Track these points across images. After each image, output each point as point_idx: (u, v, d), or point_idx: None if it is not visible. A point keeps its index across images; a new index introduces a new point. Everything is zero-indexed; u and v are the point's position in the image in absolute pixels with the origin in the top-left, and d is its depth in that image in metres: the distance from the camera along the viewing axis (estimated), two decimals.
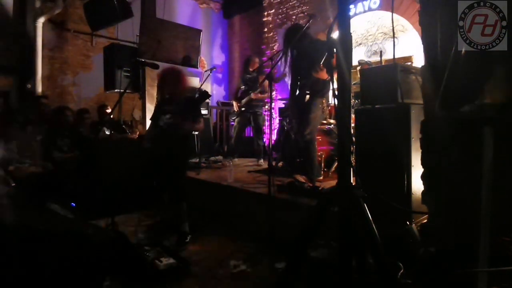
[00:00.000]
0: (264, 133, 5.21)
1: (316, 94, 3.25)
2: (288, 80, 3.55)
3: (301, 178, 3.48)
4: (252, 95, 4.68)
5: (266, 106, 6.84)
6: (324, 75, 3.22)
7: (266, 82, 4.68)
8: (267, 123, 5.63)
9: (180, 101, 2.87)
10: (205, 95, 3.28)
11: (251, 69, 4.82)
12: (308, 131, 3.22)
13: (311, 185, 3.04)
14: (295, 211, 2.64)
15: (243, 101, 4.78)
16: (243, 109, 4.83)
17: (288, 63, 3.39)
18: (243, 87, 4.88)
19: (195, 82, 6.69)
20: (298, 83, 3.40)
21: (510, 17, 1.18)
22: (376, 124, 2.31)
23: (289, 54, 3.36)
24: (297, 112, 3.44)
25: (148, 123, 4.38)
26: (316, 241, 2.04)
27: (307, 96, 3.30)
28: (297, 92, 3.42)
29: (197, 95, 3.66)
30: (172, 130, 2.76)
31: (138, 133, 5.13)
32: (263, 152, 5.00)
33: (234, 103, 4.96)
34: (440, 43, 1.64)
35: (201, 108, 5.59)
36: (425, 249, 1.82)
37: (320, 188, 2.87)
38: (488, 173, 1.25)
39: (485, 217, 1.27)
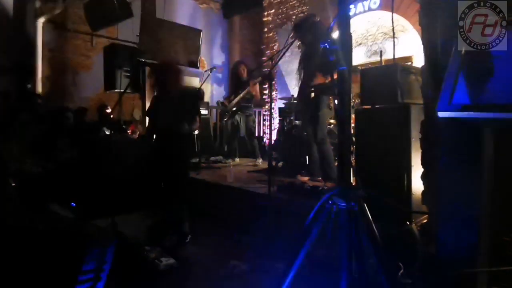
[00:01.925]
0: (255, 133, 5.21)
1: (321, 92, 3.24)
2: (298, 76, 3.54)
3: (303, 178, 3.49)
4: (246, 91, 4.66)
5: (266, 106, 6.87)
6: (319, 79, 3.23)
7: (257, 85, 4.71)
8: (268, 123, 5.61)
9: (177, 97, 2.80)
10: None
11: (243, 76, 4.83)
12: (319, 130, 3.22)
13: (318, 185, 3.04)
14: (295, 211, 2.64)
15: (234, 101, 4.79)
16: (234, 108, 4.83)
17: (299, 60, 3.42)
18: (233, 95, 4.90)
19: (195, 82, 6.70)
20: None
21: (510, 17, 1.18)
22: (376, 124, 2.31)
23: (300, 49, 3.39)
24: (304, 110, 3.44)
25: None
26: (316, 241, 2.04)
27: (312, 94, 3.29)
28: (303, 89, 3.42)
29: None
30: (171, 129, 2.73)
31: (138, 133, 5.14)
32: (260, 151, 5.00)
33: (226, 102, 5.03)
34: (440, 43, 1.64)
35: (201, 108, 5.63)
36: (425, 249, 1.83)
37: (320, 188, 2.87)
38: (488, 173, 1.25)
39: (485, 217, 1.27)
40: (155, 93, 2.97)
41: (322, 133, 3.25)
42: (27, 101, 4.95)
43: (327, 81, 3.19)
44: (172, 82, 2.78)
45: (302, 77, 3.46)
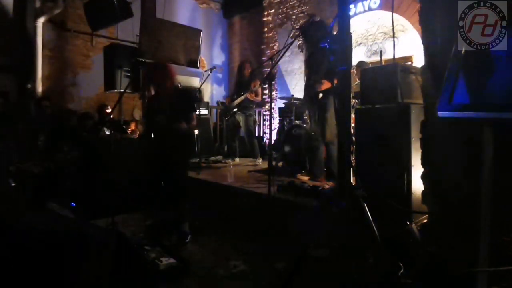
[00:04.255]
0: (255, 133, 5.22)
1: (329, 92, 3.24)
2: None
3: (303, 178, 3.49)
4: (248, 95, 4.69)
5: (266, 106, 6.87)
6: (325, 86, 3.23)
7: (257, 83, 4.72)
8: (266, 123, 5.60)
9: (170, 98, 2.80)
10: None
11: (246, 73, 4.84)
12: (328, 130, 3.21)
13: (318, 184, 3.04)
14: (295, 211, 2.64)
15: (236, 101, 4.79)
16: (234, 110, 4.84)
17: (304, 59, 3.42)
18: (237, 93, 4.92)
19: (195, 82, 6.71)
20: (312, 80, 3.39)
21: (510, 17, 1.18)
22: (376, 124, 2.31)
23: (306, 50, 3.38)
24: (312, 110, 3.43)
25: None
26: (316, 241, 2.04)
27: (320, 94, 3.28)
28: (310, 90, 3.42)
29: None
30: (168, 130, 2.73)
31: (138, 133, 5.14)
32: (260, 151, 5.01)
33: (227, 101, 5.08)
34: (440, 43, 1.64)
35: (202, 108, 5.63)
36: (425, 249, 1.83)
37: (320, 188, 2.87)
38: (488, 173, 1.25)
39: (485, 217, 1.27)
40: (150, 95, 2.98)
41: (331, 134, 3.24)
42: (31, 103, 4.97)
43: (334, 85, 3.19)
44: (163, 82, 2.80)
45: (308, 77, 3.45)
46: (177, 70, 5.69)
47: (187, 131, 2.81)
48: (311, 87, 3.39)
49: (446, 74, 1.26)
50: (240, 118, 4.85)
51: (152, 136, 2.95)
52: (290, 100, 5.08)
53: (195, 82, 6.94)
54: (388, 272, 1.31)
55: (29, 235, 1.61)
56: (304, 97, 3.71)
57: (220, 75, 8.41)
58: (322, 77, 3.20)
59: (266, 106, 6.88)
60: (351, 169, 1.29)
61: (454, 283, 1.47)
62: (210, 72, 4.94)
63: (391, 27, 2.27)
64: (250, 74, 4.83)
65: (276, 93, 6.99)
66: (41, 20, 5.53)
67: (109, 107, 5.39)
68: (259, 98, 4.88)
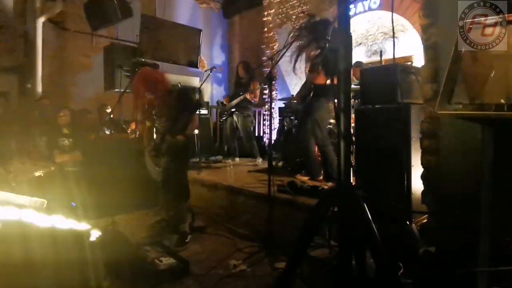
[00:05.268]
0: (253, 134, 5.23)
1: (319, 94, 3.23)
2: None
3: (302, 178, 3.49)
4: (247, 95, 4.70)
5: (266, 106, 6.87)
6: (321, 79, 3.21)
7: (257, 85, 4.73)
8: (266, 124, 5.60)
9: (167, 102, 2.80)
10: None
11: (241, 74, 4.85)
12: (319, 131, 3.20)
13: (318, 184, 3.04)
14: (295, 211, 2.64)
15: (234, 101, 4.80)
16: (232, 110, 4.84)
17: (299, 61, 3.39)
18: (235, 94, 4.94)
19: (195, 82, 6.71)
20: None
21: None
22: (376, 124, 2.31)
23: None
24: (303, 110, 3.42)
25: None
26: (316, 241, 2.04)
27: (310, 96, 3.28)
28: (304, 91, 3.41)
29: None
30: (171, 133, 2.74)
31: (138, 133, 5.14)
32: (260, 151, 5.01)
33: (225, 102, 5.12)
34: (440, 43, 1.65)
35: (202, 108, 5.63)
36: (425, 249, 1.83)
37: (320, 188, 2.87)
38: (488, 173, 1.25)
39: (485, 217, 1.27)
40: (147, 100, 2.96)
41: (322, 135, 3.24)
42: (31, 103, 4.96)
43: (327, 83, 3.18)
44: (155, 87, 2.75)
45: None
46: (177, 70, 5.72)
47: (185, 141, 2.81)
48: (304, 87, 3.39)
49: (446, 74, 1.26)
50: (238, 119, 4.85)
51: (153, 137, 2.96)
52: (290, 100, 5.08)
53: (195, 82, 6.93)
54: (388, 272, 1.31)
55: (28, 235, 1.62)
56: (296, 95, 3.69)
57: (220, 75, 8.40)
58: (318, 69, 3.16)
59: (266, 106, 6.88)
60: (351, 169, 1.29)
61: (454, 283, 1.47)
62: (210, 72, 4.94)
63: (391, 27, 2.27)
64: (246, 75, 4.83)
65: (276, 93, 6.99)
66: (41, 20, 5.53)
67: (109, 107, 5.39)
68: (257, 100, 4.89)
